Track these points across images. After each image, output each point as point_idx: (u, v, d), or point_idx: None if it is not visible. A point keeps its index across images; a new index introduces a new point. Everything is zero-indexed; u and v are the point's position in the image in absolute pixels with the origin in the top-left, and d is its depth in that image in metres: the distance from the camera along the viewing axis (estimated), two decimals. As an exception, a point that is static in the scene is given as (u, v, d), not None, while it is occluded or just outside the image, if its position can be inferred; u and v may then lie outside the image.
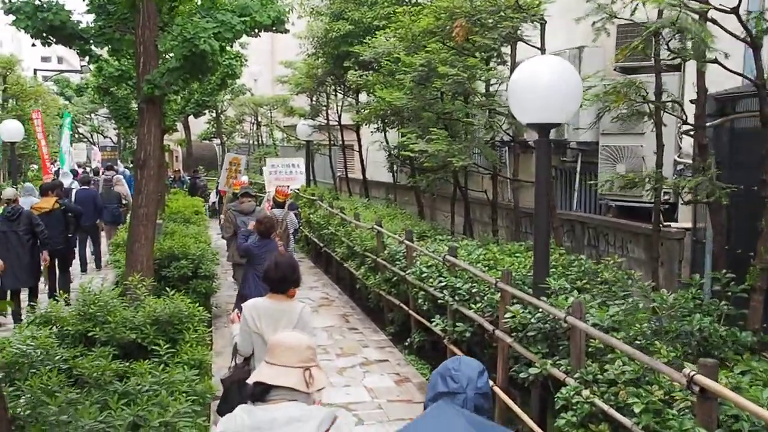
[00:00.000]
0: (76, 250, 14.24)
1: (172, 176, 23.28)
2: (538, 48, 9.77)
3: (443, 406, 2.54)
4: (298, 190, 19.96)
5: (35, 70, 32.74)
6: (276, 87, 32.24)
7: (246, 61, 17.41)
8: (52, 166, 22.89)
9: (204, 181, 26.28)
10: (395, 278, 10.17)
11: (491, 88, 11.32)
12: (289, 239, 11.98)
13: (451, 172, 12.25)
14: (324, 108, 21.81)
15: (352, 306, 12.80)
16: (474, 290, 7.61)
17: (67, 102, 40.68)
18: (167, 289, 10.48)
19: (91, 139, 47.05)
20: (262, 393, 3.03)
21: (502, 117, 10.37)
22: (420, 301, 8.97)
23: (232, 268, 12.09)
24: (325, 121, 21.87)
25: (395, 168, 18.47)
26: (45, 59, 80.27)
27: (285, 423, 2.90)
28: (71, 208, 12.74)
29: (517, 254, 8.63)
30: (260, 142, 32.85)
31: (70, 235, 12.57)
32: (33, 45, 9.87)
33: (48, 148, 22.91)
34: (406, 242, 9.73)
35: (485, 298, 7.38)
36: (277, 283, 5.39)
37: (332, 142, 22.90)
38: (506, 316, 6.46)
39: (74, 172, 23.16)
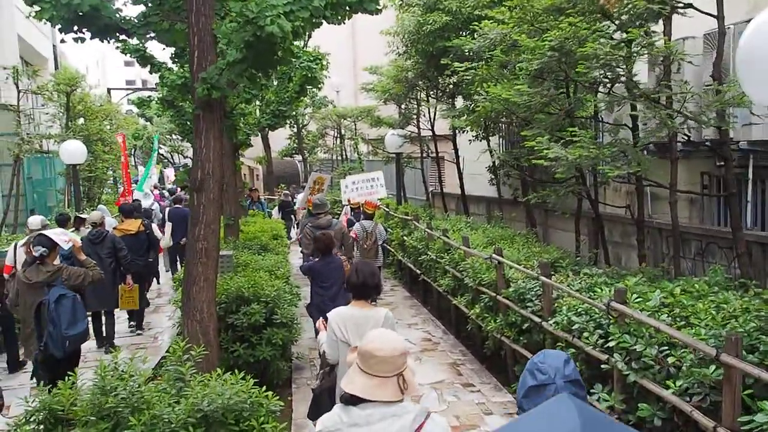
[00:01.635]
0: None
1: (249, 197, 21.30)
2: (713, 16, 7.34)
3: (561, 399, 2.27)
4: (386, 206, 18.13)
5: (109, 90, 31.51)
6: (360, 97, 30.27)
7: (327, 64, 15.37)
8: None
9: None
10: (526, 324, 7.80)
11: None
12: (378, 251, 12.18)
13: (580, 184, 9.81)
14: (415, 116, 19.57)
15: (462, 350, 10.46)
16: (668, 357, 5.18)
17: (147, 123, 39.63)
18: (236, 343, 8.57)
19: (171, 160, 46.17)
20: (357, 401, 3.05)
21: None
22: (568, 360, 6.59)
23: None
24: (416, 131, 19.62)
25: (499, 180, 16.06)
26: (129, 83, 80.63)
27: (380, 418, 2.99)
28: (152, 233, 12.80)
29: (708, 295, 6.12)
30: (344, 156, 30.82)
31: (150, 260, 12.57)
32: (62, 41, 8.14)
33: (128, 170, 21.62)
34: (543, 278, 7.35)
35: (685, 369, 4.94)
36: (359, 289, 5.50)
37: (425, 154, 20.62)
38: (757, 417, 4.00)
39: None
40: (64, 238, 8.16)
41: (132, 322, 12.28)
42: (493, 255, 8.78)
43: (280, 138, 34.67)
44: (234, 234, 13.34)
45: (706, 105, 6.85)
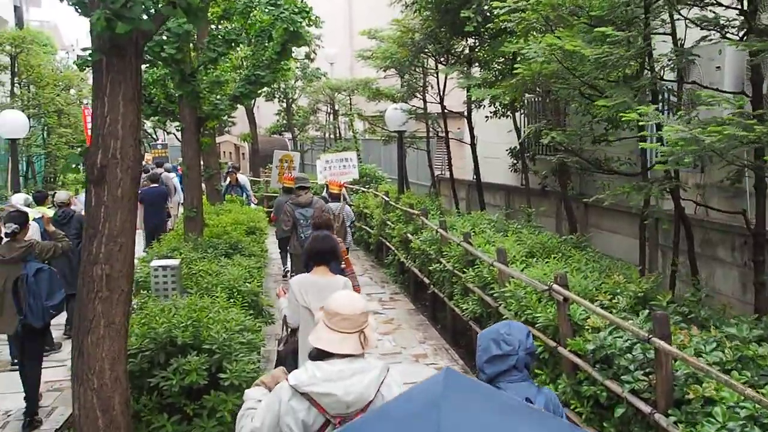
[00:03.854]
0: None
1: (227, 180, 18.19)
2: None
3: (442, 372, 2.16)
4: (385, 194, 15.91)
5: (73, 49, 28.01)
6: (356, 70, 27.15)
7: (319, 21, 12.39)
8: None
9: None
10: (621, 410, 4.85)
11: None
12: (347, 232, 11.75)
13: (673, 178, 6.85)
14: (421, 88, 16.50)
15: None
16: None
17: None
18: (162, 414, 5.65)
19: (154, 136, 42.95)
20: (324, 355, 3.21)
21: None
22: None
23: (291, 258, 11.92)
24: (422, 106, 16.55)
25: (525, 166, 13.10)
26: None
27: (351, 374, 3.14)
28: None
29: None
30: (337, 134, 27.68)
31: None
32: None
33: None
34: (659, 343, 4.40)
35: None
36: (315, 256, 5.81)
37: (432, 133, 17.53)
38: None
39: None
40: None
41: None
42: (555, 286, 5.83)
43: (269, 114, 31.64)
44: (196, 230, 10.41)
45: None
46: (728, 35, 5.80)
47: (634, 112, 4.94)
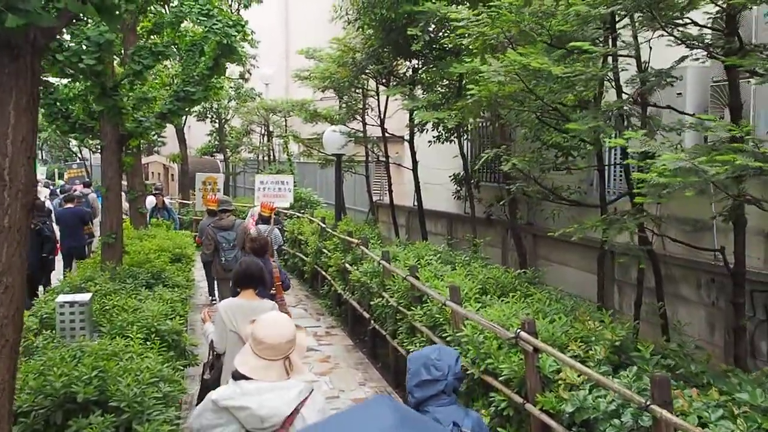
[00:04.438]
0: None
1: (155, 202, 17.09)
2: None
3: (379, 399, 2.30)
4: (321, 220, 15.27)
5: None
6: (292, 91, 26.31)
7: (253, 41, 11.55)
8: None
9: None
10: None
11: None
12: (274, 255, 10.97)
13: (642, 211, 6.25)
14: (360, 110, 15.78)
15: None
16: None
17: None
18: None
19: (79, 154, 41.31)
20: (246, 377, 3.27)
21: None
22: None
23: (216, 284, 11.94)
24: (362, 129, 15.81)
25: (471, 194, 12.45)
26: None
27: (270, 389, 3.22)
28: (45, 229, 12.15)
29: None
30: (271, 157, 26.72)
31: (45, 255, 11.99)
32: None
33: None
34: (660, 412, 3.68)
35: None
36: (243, 279, 5.89)
37: (372, 158, 16.79)
38: None
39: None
40: None
41: None
42: (523, 334, 5.11)
43: (200, 134, 30.59)
44: (115, 257, 9.42)
45: None
46: (713, 55, 5.22)
47: (621, 138, 4.30)
